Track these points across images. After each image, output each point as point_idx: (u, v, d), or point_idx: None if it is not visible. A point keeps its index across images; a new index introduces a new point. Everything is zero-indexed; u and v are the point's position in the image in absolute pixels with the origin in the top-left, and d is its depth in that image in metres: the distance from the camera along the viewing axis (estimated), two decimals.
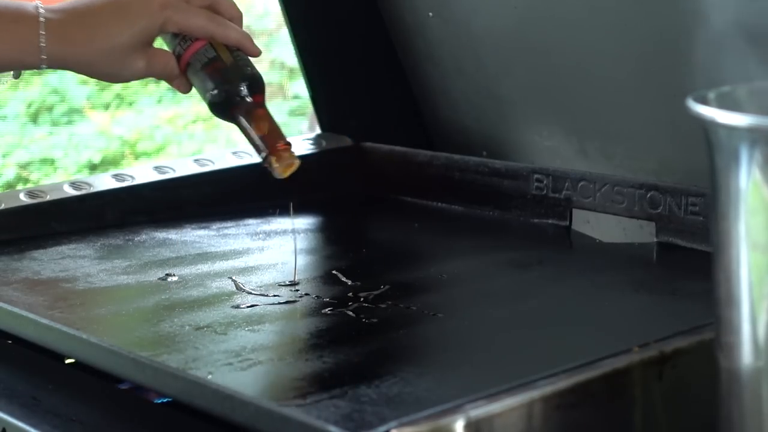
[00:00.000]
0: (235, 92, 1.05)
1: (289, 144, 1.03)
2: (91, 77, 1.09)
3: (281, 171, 1.03)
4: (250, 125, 1.04)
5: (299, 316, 0.98)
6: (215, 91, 1.05)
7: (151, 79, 1.09)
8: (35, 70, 1.07)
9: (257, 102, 1.05)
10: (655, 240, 1.15)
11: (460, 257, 1.15)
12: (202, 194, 1.33)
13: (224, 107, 1.06)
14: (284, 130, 1.04)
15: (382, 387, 0.80)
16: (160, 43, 1.09)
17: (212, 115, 1.07)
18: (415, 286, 1.06)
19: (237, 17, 1.10)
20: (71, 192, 1.26)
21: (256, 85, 1.06)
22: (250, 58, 1.07)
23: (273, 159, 1.03)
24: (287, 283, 1.06)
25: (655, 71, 1.18)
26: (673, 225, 1.13)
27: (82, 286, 1.06)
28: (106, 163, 2.98)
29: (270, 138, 1.03)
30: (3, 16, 1.04)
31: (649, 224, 1.15)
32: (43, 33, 1.03)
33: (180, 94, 1.10)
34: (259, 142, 1.04)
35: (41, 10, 1.04)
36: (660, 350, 0.78)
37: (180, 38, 1.07)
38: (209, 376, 0.82)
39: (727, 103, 0.67)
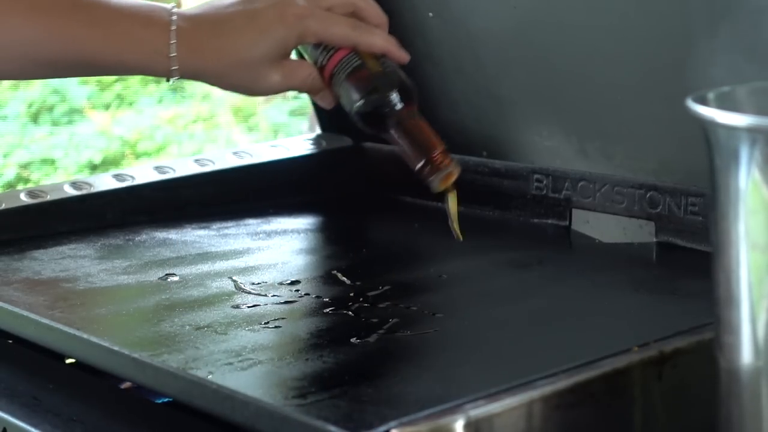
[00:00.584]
0: (384, 101, 0.99)
1: (446, 153, 0.98)
2: (224, 89, 1.02)
3: (439, 183, 0.98)
4: (403, 135, 0.98)
5: (299, 316, 0.98)
6: (362, 101, 1.00)
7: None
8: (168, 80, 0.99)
9: (409, 110, 0.99)
10: (654, 240, 1.15)
11: (460, 257, 1.15)
12: (203, 194, 1.32)
13: (373, 118, 1.00)
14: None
15: (382, 387, 0.80)
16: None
17: (360, 127, 1.01)
18: (415, 286, 1.06)
19: (382, 23, 1.04)
20: (72, 192, 1.26)
21: (407, 92, 1.00)
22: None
23: (429, 170, 0.98)
24: (288, 282, 1.06)
25: (655, 71, 1.18)
26: (673, 225, 1.13)
27: (83, 286, 1.06)
28: (107, 163, 2.98)
29: (425, 148, 0.98)
30: (135, 18, 0.98)
31: (648, 224, 1.15)
32: (174, 42, 0.97)
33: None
34: (413, 153, 0.98)
35: (174, 17, 0.98)
36: (660, 350, 0.78)
37: (322, 48, 1.02)
38: (209, 376, 0.82)
39: (726, 103, 0.67)
